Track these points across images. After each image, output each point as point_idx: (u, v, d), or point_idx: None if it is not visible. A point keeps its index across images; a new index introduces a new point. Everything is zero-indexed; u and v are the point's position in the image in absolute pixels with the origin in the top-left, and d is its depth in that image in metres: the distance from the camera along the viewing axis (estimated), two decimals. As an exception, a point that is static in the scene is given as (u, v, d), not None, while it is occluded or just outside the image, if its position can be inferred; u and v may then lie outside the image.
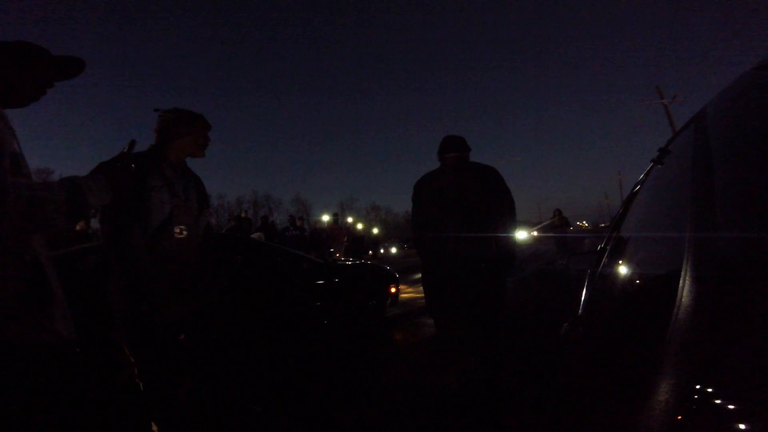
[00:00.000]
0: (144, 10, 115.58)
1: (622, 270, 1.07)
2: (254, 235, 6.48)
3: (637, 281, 0.91)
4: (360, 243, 13.53)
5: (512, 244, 2.33)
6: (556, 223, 12.43)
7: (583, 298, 1.42)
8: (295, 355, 3.62)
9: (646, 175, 1.37)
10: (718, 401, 0.38)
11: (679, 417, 0.40)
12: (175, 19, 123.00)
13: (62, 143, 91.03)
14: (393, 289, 4.95)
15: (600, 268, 1.37)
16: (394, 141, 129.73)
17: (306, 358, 3.53)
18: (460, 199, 2.32)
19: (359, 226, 27.37)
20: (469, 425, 2.06)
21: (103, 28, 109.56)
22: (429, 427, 2.12)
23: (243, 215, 8.88)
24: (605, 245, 1.53)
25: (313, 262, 4.43)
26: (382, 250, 23.55)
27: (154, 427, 1.55)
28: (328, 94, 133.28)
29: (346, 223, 21.45)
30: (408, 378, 2.89)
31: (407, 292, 7.01)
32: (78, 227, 5.88)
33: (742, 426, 0.34)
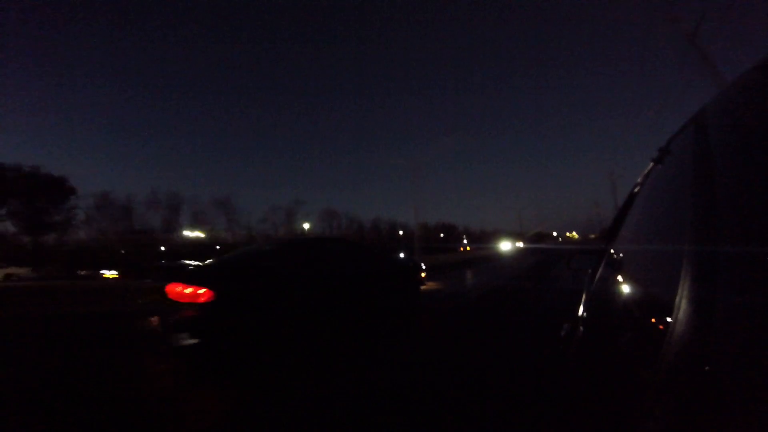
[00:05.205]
0: (141, 11, 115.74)
1: (622, 270, 1.07)
2: None
3: (638, 281, 0.91)
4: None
5: None
6: (536, 238, 13.47)
7: (583, 299, 1.41)
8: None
9: (646, 175, 1.37)
10: (718, 401, 0.38)
11: (680, 417, 0.40)
12: (173, 21, 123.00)
13: (53, 141, 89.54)
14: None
15: (600, 269, 1.37)
16: (390, 151, 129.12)
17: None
18: None
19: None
20: (469, 425, 2.06)
21: (102, 30, 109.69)
22: (429, 426, 2.12)
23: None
24: (606, 246, 1.53)
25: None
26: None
27: None
28: (326, 99, 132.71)
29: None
30: (408, 378, 2.89)
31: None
32: None
33: (742, 426, 0.34)
